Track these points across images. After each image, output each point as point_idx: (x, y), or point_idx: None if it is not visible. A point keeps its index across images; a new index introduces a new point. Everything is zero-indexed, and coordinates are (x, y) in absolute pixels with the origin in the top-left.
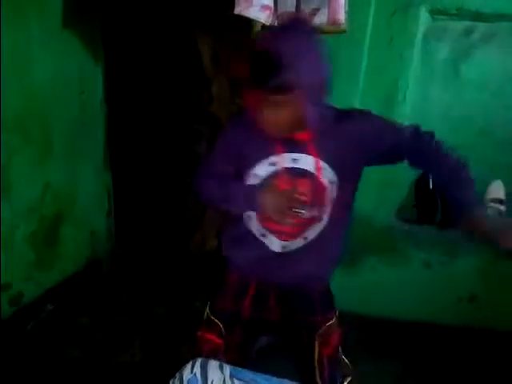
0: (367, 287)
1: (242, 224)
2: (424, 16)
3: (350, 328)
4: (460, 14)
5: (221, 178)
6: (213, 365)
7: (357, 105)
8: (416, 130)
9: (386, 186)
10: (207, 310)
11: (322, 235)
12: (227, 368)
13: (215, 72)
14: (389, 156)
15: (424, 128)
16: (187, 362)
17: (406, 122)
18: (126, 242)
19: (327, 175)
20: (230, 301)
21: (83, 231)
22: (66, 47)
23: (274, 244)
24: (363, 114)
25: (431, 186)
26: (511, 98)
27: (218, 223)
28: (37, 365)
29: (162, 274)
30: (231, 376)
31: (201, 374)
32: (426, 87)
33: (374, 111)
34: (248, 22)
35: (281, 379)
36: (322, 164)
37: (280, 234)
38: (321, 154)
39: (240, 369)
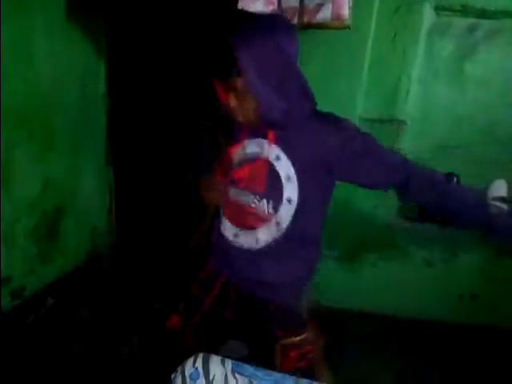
0: (368, 285)
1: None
2: (428, 12)
3: (351, 325)
4: (465, 10)
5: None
6: (214, 360)
7: (360, 100)
8: (407, 166)
9: None
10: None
11: (280, 242)
12: (229, 363)
13: None
14: (361, 180)
15: (428, 123)
16: (186, 355)
17: (410, 119)
18: (126, 238)
19: (284, 169)
20: (198, 287)
21: (84, 226)
22: (69, 41)
23: (228, 230)
24: (338, 124)
25: None
26: (511, 96)
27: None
28: (37, 358)
29: (162, 269)
30: (233, 370)
31: (203, 368)
32: (429, 84)
33: (377, 107)
34: None
35: (282, 374)
36: (281, 154)
37: (230, 220)
38: (284, 145)
39: (241, 363)
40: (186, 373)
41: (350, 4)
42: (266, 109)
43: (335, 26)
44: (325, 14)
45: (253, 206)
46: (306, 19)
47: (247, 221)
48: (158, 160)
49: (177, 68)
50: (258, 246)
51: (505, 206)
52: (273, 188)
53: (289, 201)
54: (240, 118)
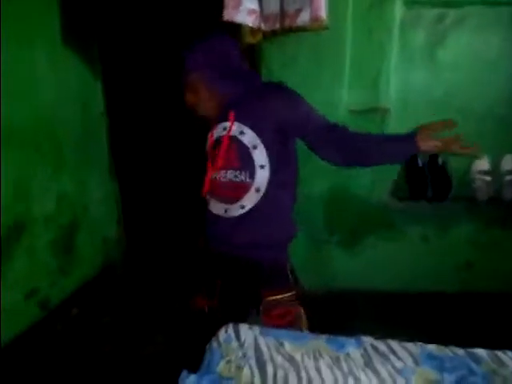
0: (369, 264)
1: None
2: (399, 6)
3: (359, 303)
4: (432, 2)
5: None
6: (244, 327)
7: (344, 94)
8: (330, 125)
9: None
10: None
11: (261, 206)
12: (256, 328)
13: None
14: (299, 135)
15: (409, 109)
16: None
17: (392, 106)
18: (136, 245)
19: (249, 139)
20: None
21: (96, 237)
22: (67, 66)
23: (218, 208)
24: (279, 89)
25: (420, 164)
26: (482, 75)
27: None
28: (68, 366)
29: (173, 273)
30: (261, 333)
31: (234, 333)
32: (406, 72)
33: (361, 98)
34: (237, 27)
35: (311, 333)
36: (243, 128)
37: (220, 198)
38: (243, 120)
39: (267, 328)
40: (220, 338)
41: (327, 6)
42: (220, 93)
43: (315, 27)
44: (304, 18)
45: (235, 180)
46: (287, 24)
47: (233, 194)
48: (162, 170)
49: (172, 81)
50: (243, 212)
51: (488, 178)
52: (245, 159)
53: (261, 167)
54: (196, 111)
